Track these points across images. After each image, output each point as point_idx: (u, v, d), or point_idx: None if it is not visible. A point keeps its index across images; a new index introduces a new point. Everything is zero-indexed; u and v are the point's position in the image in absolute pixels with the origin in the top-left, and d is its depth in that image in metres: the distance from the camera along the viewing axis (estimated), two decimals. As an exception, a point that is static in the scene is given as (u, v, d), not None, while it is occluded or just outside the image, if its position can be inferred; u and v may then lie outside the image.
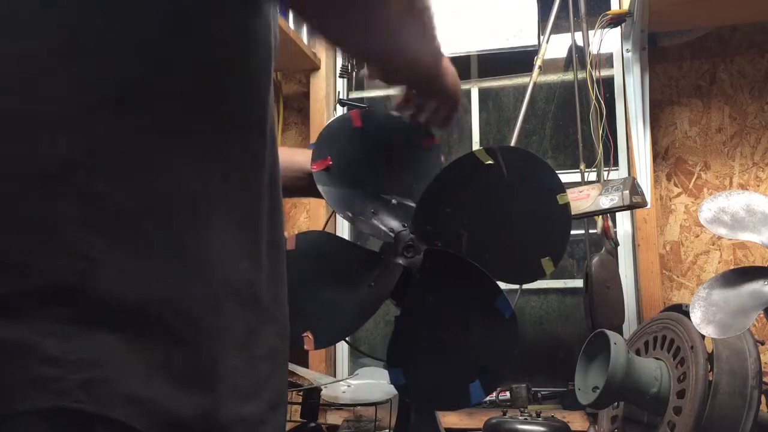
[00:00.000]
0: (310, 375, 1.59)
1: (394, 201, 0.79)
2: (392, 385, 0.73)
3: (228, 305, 0.42)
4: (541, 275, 0.76)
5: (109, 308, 0.36)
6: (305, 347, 0.73)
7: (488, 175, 0.75)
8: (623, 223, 1.87)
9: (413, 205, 0.78)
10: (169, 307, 0.38)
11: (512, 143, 1.70)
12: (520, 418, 1.51)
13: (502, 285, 0.76)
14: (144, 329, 0.37)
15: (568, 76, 1.93)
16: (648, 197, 1.59)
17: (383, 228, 0.78)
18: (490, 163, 0.74)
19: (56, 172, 0.36)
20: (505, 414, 1.56)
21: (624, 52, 1.85)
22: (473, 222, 0.76)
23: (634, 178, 1.50)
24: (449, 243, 0.75)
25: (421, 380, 0.74)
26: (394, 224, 0.78)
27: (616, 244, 1.76)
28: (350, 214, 0.78)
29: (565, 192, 0.75)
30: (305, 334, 0.72)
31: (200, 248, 0.40)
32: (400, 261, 0.75)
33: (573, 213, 1.46)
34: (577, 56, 1.79)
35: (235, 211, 0.43)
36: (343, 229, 2.09)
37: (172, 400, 0.38)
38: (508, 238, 0.76)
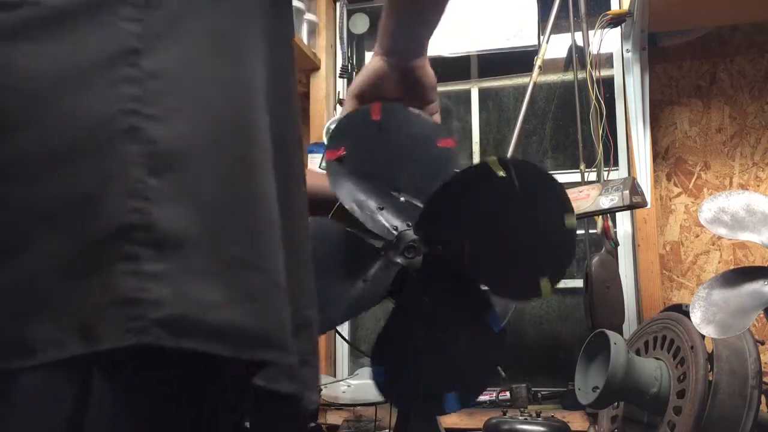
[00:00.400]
0: (310, 375, 1.59)
1: (402, 199, 0.79)
2: (374, 380, 0.73)
3: (276, 236, 0.44)
4: (538, 296, 0.75)
5: (178, 243, 0.38)
6: None
7: (498, 187, 0.74)
8: (623, 223, 1.88)
9: (421, 205, 0.78)
10: (228, 237, 0.40)
11: (512, 143, 1.70)
12: (520, 418, 1.51)
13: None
14: (211, 258, 0.39)
15: (568, 76, 1.93)
16: (648, 197, 1.59)
17: (387, 225, 0.77)
18: (501, 175, 0.73)
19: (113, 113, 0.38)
20: (505, 414, 1.56)
21: (624, 52, 1.85)
22: (477, 231, 0.75)
23: (634, 178, 1.50)
24: (450, 248, 0.75)
25: (400, 382, 0.73)
26: (398, 223, 0.78)
27: (616, 244, 1.76)
28: (356, 207, 0.77)
29: (573, 213, 0.73)
30: None
31: (250, 185, 0.43)
32: (399, 260, 0.75)
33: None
34: (577, 56, 1.80)
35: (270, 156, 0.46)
36: None
37: (246, 321, 0.39)
38: (510, 253, 0.75)
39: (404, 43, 0.79)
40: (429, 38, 0.79)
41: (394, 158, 0.80)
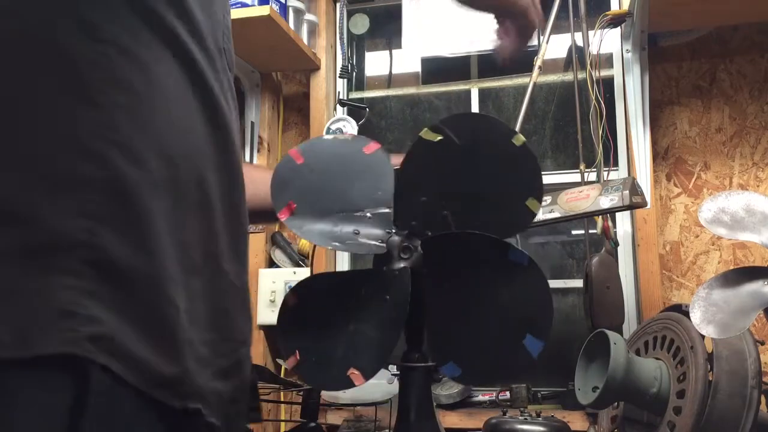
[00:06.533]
0: (310, 375, 1.59)
1: (368, 214, 0.80)
2: (452, 377, 0.73)
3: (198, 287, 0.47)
4: (532, 216, 0.77)
5: (119, 270, 0.40)
6: (356, 383, 0.72)
7: (445, 150, 0.77)
8: (623, 223, 1.88)
9: (388, 210, 0.79)
10: (162, 280, 0.42)
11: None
12: (520, 418, 1.51)
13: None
14: (132, 298, 0.41)
15: (568, 76, 1.93)
16: (648, 197, 1.59)
17: (372, 242, 0.78)
18: (440, 139, 0.76)
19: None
20: (505, 414, 1.56)
21: (624, 53, 1.85)
22: (449, 198, 0.77)
23: (634, 178, 1.50)
24: (437, 228, 0.76)
25: (475, 362, 0.73)
26: (380, 234, 0.79)
27: (616, 244, 1.76)
28: (337, 244, 0.78)
29: (517, 132, 0.77)
30: (351, 370, 0.72)
31: (178, 232, 0.46)
32: (402, 264, 0.76)
33: (573, 213, 1.47)
34: (577, 56, 1.80)
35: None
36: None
37: (156, 361, 0.41)
38: (487, 195, 0.78)
39: None
40: None
41: (337, 185, 0.82)
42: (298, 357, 0.75)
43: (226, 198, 0.51)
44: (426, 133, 0.76)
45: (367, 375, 0.72)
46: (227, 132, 0.53)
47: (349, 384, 0.72)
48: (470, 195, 0.78)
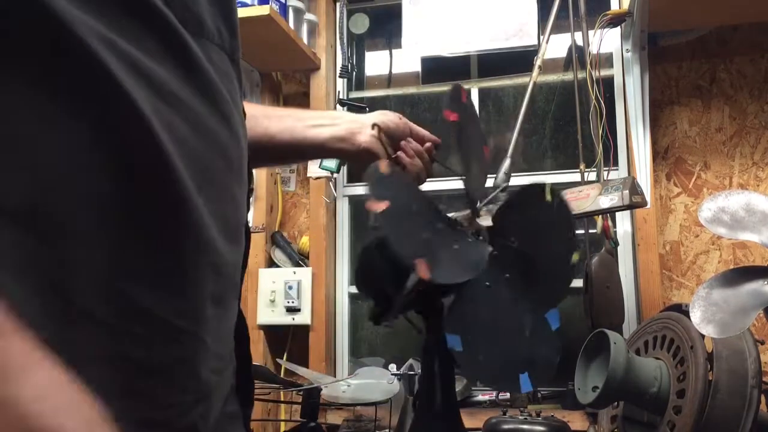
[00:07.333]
0: (310, 375, 1.60)
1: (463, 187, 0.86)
2: (450, 348, 0.75)
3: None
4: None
5: None
6: (419, 271, 0.70)
7: (543, 210, 0.83)
8: (623, 223, 1.88)
9: (470, 198, 0.85)
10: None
11: (512, 143, 1.70)
12: (520, 417, 1.51)
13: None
14: None
15: (568, 76, 1.93)
16: (648, 197, 1.59)
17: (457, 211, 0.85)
18: (550, 201, 0.82)
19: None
20: (505, 414, 1.56)
21: (624, 52, 1.85)
22: (521, 238, 0.82)
23: (634, 178, 1.50)
24: (501, 247, 0.81)
25: (476, 353, 0.76)
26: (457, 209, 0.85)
27: (616, 243, 1.76)
28: (458, 169, 0.85)
29: (578, 252, 0.83)
30: (424, 261, 0.69)
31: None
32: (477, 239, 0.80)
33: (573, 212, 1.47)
34: (577, 56, 1.80)
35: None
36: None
37: None
38: (537, 263, 0.82)
39: None
40: None
41: (470, 146, 0.89)
42: (389, 205, 0.70)
43: (142, 206, 0.41)
44: (548, 189, 0.82)
45: (437, 276, 0.70)
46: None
47: (416, 266, 0.69)
48: (531, 250, 0.83)
